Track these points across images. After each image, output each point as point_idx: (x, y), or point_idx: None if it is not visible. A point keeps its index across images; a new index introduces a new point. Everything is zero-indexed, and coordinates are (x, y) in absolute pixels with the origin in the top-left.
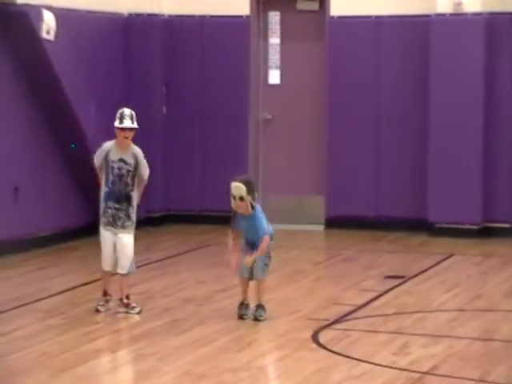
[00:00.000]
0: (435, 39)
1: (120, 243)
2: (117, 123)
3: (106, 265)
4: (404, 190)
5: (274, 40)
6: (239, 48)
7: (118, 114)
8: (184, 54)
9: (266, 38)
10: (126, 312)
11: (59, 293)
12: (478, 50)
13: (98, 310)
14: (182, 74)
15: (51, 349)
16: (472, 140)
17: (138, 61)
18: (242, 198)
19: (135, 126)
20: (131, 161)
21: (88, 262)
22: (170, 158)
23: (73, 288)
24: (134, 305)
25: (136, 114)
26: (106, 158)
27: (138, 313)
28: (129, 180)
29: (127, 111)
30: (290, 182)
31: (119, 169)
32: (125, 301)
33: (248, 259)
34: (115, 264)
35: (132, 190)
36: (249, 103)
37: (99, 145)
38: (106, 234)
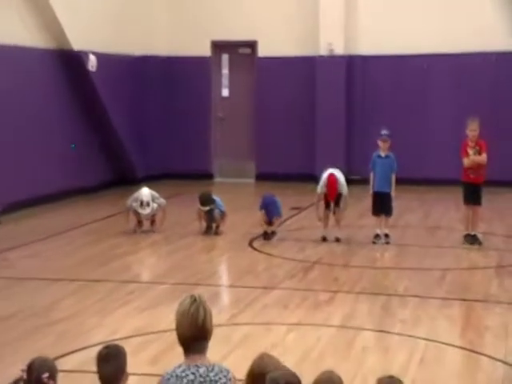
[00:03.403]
0: (319, 73)
1: None
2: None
3: None
4: (295, 152)
5: (225, 71)
6: (205, 75)
7: (138, 201)
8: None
9: (220, 69)
10: None
11: None
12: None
13: None
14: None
15: None
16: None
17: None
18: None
19: (150, 210)
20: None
21: None
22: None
23: None
24: None
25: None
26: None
27: None
28: None
29: (145, 199)
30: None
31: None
32: None
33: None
34: None
35: None
36: (210, 107)
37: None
38: None
